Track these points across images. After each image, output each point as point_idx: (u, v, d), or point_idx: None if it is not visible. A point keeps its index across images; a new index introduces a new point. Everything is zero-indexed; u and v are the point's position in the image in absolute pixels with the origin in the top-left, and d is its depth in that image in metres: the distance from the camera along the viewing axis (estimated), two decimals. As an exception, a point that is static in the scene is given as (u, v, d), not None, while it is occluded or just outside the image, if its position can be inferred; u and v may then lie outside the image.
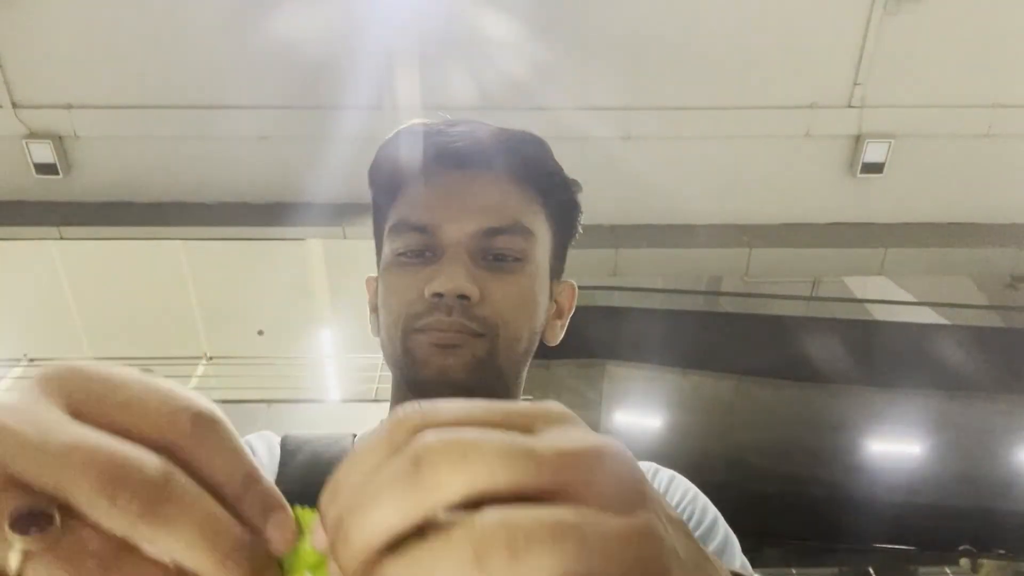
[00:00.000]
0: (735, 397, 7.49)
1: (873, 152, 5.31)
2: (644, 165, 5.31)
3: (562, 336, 0.79)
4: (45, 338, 7.51)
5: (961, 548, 7.12)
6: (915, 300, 8.07)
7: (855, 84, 5.14)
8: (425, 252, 0.69)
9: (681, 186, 5.48)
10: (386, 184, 0.75)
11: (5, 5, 4.75)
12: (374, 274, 0.78)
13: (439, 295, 0.66)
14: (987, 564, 6.97)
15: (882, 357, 7.25)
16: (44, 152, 5.20)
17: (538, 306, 0.72)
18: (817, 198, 5.62)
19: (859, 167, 5.35)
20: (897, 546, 7.70)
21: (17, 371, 6.95)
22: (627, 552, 0.24)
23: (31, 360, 7.04)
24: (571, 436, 0.26)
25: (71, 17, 4.87)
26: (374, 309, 0.76)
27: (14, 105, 5.10)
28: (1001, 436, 7.18)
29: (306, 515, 0.28)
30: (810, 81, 5.19)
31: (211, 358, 7.74)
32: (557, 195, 0.77)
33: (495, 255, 0.69)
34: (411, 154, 0.73)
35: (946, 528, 7.37)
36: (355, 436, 0.75)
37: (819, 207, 5.65)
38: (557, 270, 0.78)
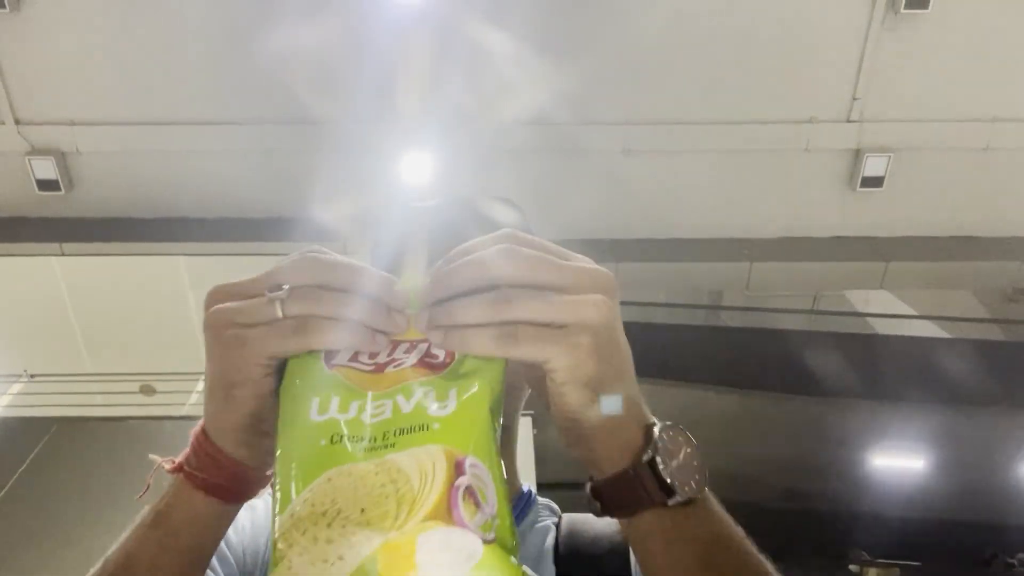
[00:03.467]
0: (737, 411, 7.46)
1: (873, 166, 5.33)
2: (644, 179, 5.33)
3: None
4: (46, 353, 7.50)
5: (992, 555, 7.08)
6: (916, 313, 8.06)
7: (854, 99, 5.16)
8: None
9: (681, 200, 5.50)
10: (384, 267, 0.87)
11: (9, 24, 4.78)
12: None
13: None
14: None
15: (884, 371, 7.23)
16: (46, 168, 5.22)
17: None
18: (817, 212, 5.63)
19: (859, 181, 5.36)
20: (900, 561, 7.64)
21: (17, 387, 6.93)
22: (594, 310, 0.49)
23: (31, 376, 7.01)
24: (585, 264, 0.51)
25: (74, 35, 4.91)
26: None
27: (17, 122, 5.12)
28: (1006, 449, 7.14)
29: (417, 293, 0.51)
30: (809, 96, 5.22)
31: (212, 373, 7.70)
32: None
33: None
34: (397, 240, 0.86)
35: (950, 542, 7.32)
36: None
37: (819, 221, 5.66)
38: None
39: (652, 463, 0.52)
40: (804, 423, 7.43)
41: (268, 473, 0.57)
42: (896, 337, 7.65)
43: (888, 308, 7.85)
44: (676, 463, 0.53)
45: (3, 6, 4.65)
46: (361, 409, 0.48)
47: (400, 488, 0.43)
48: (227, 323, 0.51)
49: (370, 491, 0.44)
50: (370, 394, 0.49)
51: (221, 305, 0.51)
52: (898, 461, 7.50)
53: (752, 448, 7.61)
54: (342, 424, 0.47)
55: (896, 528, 7.44)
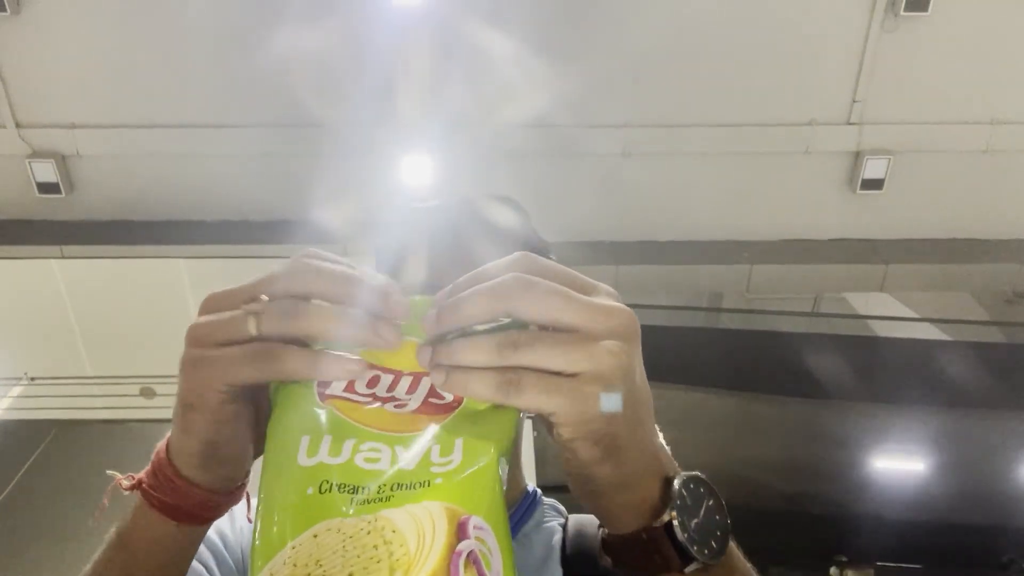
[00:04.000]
0: (737, 414, 7.46)
1: (873, 168, 5.33)
2: (644, 181, 5.33)
3: None
4: (46, 356, 7.49)
5: (1005, 559, 7.07)
6: (916, 316, 8.05)
7: (854, 101, 5.16)
8: None
9: (681, 202, 5.50)
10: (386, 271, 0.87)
11: (9, 26, 4.79)
12: None
13: None
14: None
15: (885, 373, 7.22)
16: (47, 171, 5.22)
17: None
18: (817, 214, 5.63)
19: (859, 183, 5.36)
20: (901, 564, 7.63)
21: (17, 390, 6.92)
22: (610, 359, 0.44)
23: (32, 379, 7.01)
24: (604, 300, 0.46)
25: (75, 38, 4.91)
26: None
27: (17, 125, 5.13)
28: (1006, 452, 7.14)
29: (423, 302, 0.46)
30: (809, 99, 5.22)
31: (212, 376, 7.70)
32: (520, 248, 0.86)
33: None
34: (401, 242, 0.85)
35: (950, 545, 7.31)
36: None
37: (819, 223, 5.66)
38: None
39: (669, 526, 0.47)
40: (804, 426, 7.42)
41: (237, 488, 0.54)
42: (896, 340, 7.64)
43: (888, 310, 7.85)
44: (696, 522, 0.48)
45: (3, 9, 4.65)
46: (355, 451, 0.43)
47: (394, 552, 0.39)
48: (197, 340, 0.47)
49: (360, 553, 0.39)
50: (367, 434, 0.44)
51: (201, 319, 0.48)
52: (899, 464, 7.49)
53: (752, 451, 7.61)
54: (333, 470, 0.42)
55: (897, 531, 7.44)
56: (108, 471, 0.54)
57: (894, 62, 5.04)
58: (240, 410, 0.48)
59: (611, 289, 0.47)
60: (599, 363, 0.43)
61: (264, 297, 0.46)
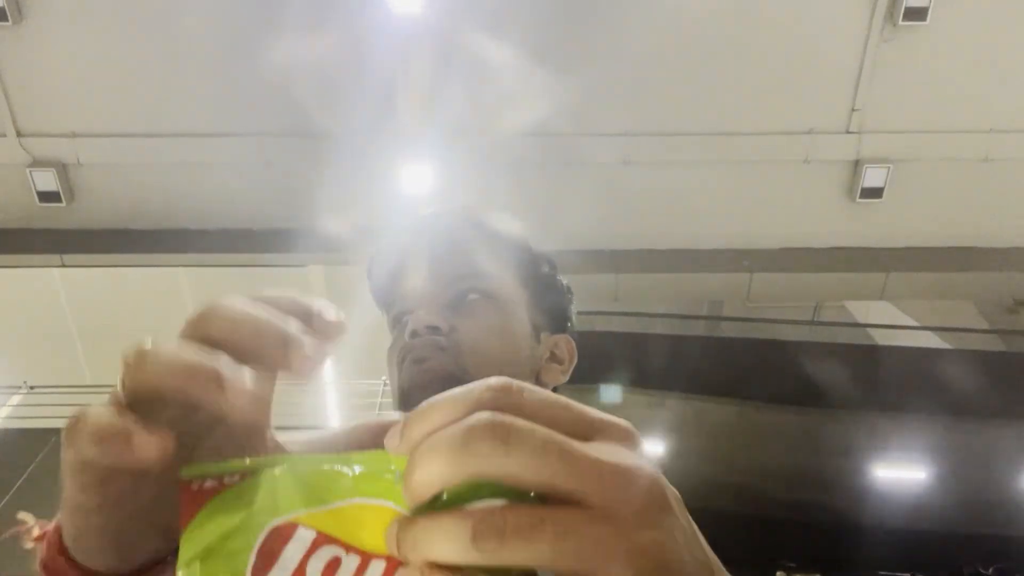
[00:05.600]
0: (738, 423, 7.44)
1: (872, 177, 5.34)
2: (644, 190, 5.34)
3: (564, 380, 0.87)
4: (46, 365, 7.49)
5: (973, 572, 7.03)
6: (917, 324, 8.04)
7: (853, 110, 5.17)
8: (404, 316, 0.80)
9: (681, 211, 5.51)
10: (379, 281, 0.87)
11: (11, 36, 4.80)
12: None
13: (415, 334, 0.75)
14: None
15: (885, 382, 7.21)
16: (47, 180, 5.23)
17: (513, 336, 0.80)
18: (817, 223, 5.63)
19: (858, 192, 5.37)
20: (902, 573, 7.60)
21: (17, 399, 6.92)
22: (629, 561, 0.29)
23: (31, 387, 7.00)
24: (616, 452, 0.30)
25: (76, 47, 4.93)
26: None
27: (19, 134, 5.14)
28: (1007, 461, 7.12)
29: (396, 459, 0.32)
30: (808, 107, 5.23)
31: (212, 385, 7.69)
32: (524, 260, 0.86)
33: (459, 299, 0.79)
34: (395, 249, 0.85)
35: (951, 554, 7.28)
36: None
37: (819, 232, 5.66)
38: (543, 324, 0.85)
39: None
40: (804, 434, 7.41)
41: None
42: (897, 348, 7.64)
43: (888, 319, 7.85)
44: None
45: (5, 19, 4.67)
46: None
47: None
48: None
49: None
50: None
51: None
52: (898, 472, 7.48)
53: (752, 459, 7.59)
54: None
55: (895, 539, 7.40)
56: (19, 514, 0.44)
57: (893, 71, 5.06)
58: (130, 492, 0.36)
59: (624, 425, 0.32)
60: (622, 564, 0.29)
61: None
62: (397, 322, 0.81)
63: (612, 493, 0.29)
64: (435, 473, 0.29)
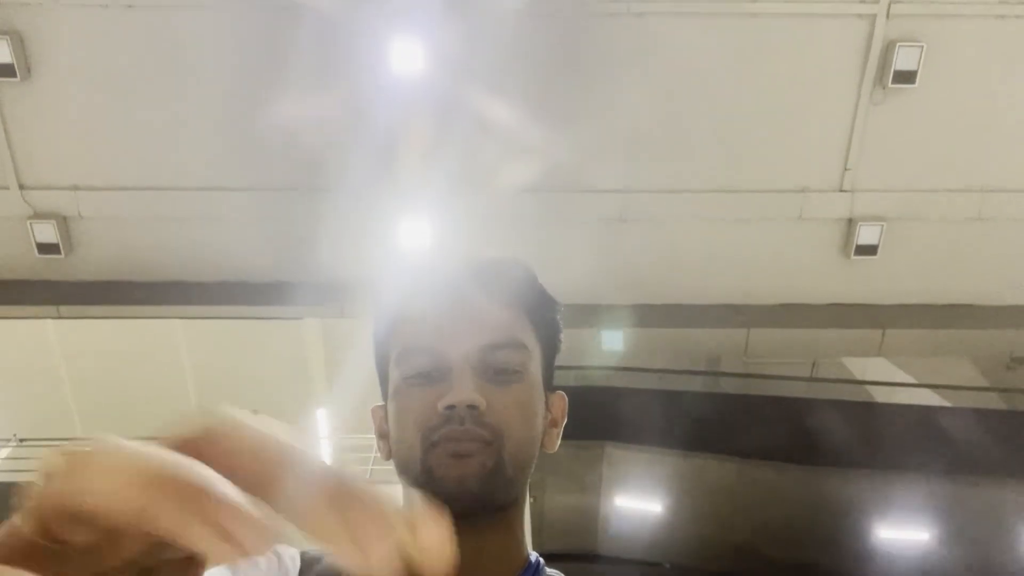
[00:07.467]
0: (738, 480, 7.36)
1: (866, 235, 5.39)
2: (641, 246, 5.38)
3: (558, 444, 0.86)
4: (37, 418, 7.41)
5: None
6: (915, 381, 8.02)
7: (845, 169, 5.26)
8: (432, 373, 0.77)
9: (678, 266, 5.54)
10: (391, 317, 0.84)
11: (19, 91, 4.89)
12: (370, 352, 0.86)
13: (451, 407, 0.73)
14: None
15: (885, 440, 7.16)
16: (47, 232, 5.26)
17: (536, 415, 0.80)
18: (813, 279, 5.66)
19: (853, 249, 5.42)
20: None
21: (5, 452, 6.82)
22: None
23: (20, 440, 6.91)
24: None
25: (81, 102, 5.02)
26: (383, 436, 0.83)
27: (21, 187, 5.19)
28: (1007, 519, 7.02)
29: None
30: (801, 166, 5.31)
31: (204, 439, 7.61)
32: (543, 313, 0.85)
33: (496, 369, 0.77)
34: (413, 288, 0.84)
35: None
36: None
37: (815, 288, 5.69)
38: (548, 381, 0.85)
39: None
40: (804, 492, 7.31)
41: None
42: (895, 406, 7.61)
43: (886, 376, 7.83)
44: None
45: (14, 75, 4.76)
46: None
47: None
48: None
49: None
50: None
51: None
52: (898, 531, 7.36)
53: (752, 518, 7.47)
54: None
55: (902, 603, 7.25)
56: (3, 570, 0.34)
57: (883, 132, 5.16)
58: None
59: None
60: None
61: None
62: (408, 357, 0.78)
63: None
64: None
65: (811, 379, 8.51)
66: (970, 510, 7.00)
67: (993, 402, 7.68)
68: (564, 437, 0.87)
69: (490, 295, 0.80)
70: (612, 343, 5.76)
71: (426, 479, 0.74)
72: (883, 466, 7.07)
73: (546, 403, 0.84)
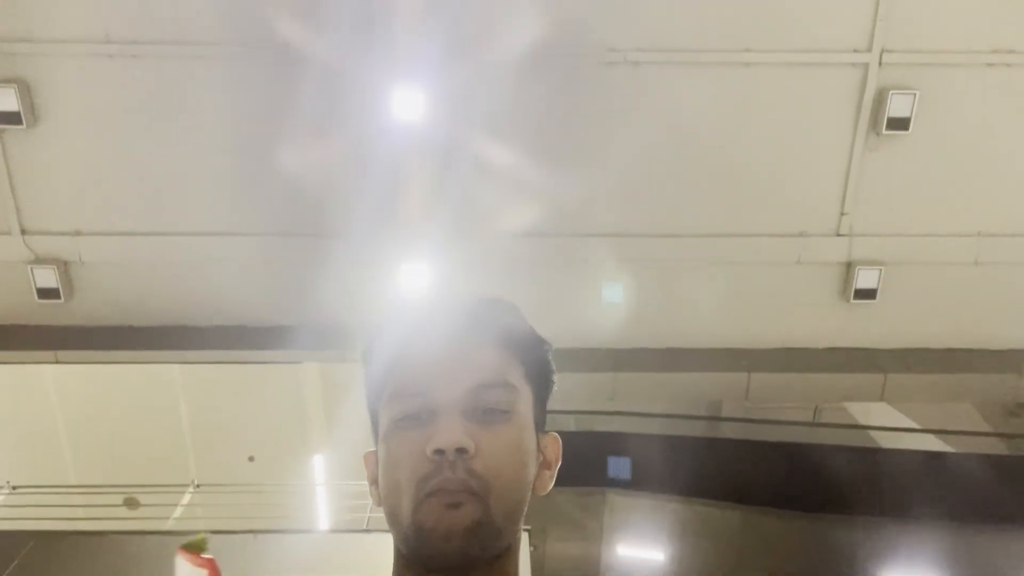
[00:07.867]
0: (741, 527, 7.24)
1: (865, 278, 5.40)
2: (641, 290, 5.38)
3: (551, 486, 0.84)
4: (30, 464, 7.32)
5: None
6: (918, 426, 7.95)
7: (842, 214, 5.29)
8: (420, 415, 0.76)
9: (678, 311, 5.54)
10: (380, 360, 0.83)
11: (25, 138, 4.95)
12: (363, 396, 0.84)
13: (440, 451, 0.72)
14: None
15: (888, 486, 7.07)
16: (47, 277, 5.27)
17: (527, 455, 0.79)
18: (812, 323, 5.66)
19: (852, 293, 5.42)
20: None
21: (-2, 499, 6.72)
22: None
23: (13, 488, 6.82)
24: None
25: (85, 149, 5.07)
26: (374, 482, 0.81)
27: (23, 231, 5.21)
28: (1011, 564, 6.89)
29: None
30: (798, 211, 5.35)
31: (199, 485, 7.51)
32: (533, 354, 0.84)
33: (484, 410, 0.76)
34: (402, 331, 0.83)
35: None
36: None
37: (815, 332, 5.68)
38: (540, 423, 0.84)
39: None
40: (809, 540, 7.19)
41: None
42: (899, 451, 7.52)
43: (889, 420, 7.76)
44: None
45: (20, 122, 4.82)
46: None
47: None
48: None
49: None
50: None
51: None
52: (907, 580, 7.21)
53: (757, 567, 7.33)
54: None
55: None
56: None
57: (879, 178, 5.21)
58: None
59: None
60: None
61: None
62: (398, 399, 0.78)
63: None
64: None
65: (813, 424, 8.44)
66: (974, 555, 6.88)
67: (996, 447, 7.61)
68: (565, 484, 0.85)
69: (477, 336, 0.79)
70: (611, 386, 5.72)
71: (413, 534, 0.72)
72: (887, 512, 6.97)
73: (538, 444, 0.82)
